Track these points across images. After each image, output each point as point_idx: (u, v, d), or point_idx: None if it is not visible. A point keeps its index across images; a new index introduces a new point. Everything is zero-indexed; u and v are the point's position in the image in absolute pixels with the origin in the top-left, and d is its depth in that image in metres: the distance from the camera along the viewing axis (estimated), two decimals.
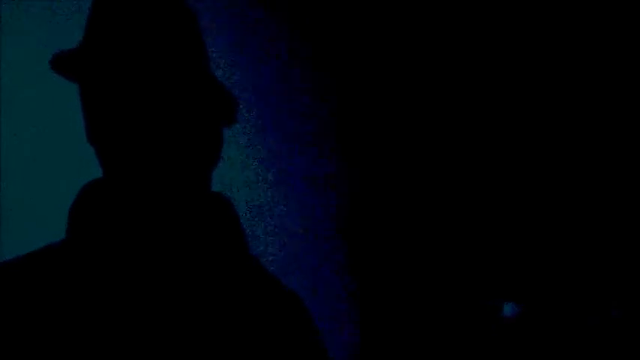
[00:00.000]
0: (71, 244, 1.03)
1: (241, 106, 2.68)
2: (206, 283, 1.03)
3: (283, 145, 2.75)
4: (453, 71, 2.91)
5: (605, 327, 2.63)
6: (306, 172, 2.78)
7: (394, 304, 2.86)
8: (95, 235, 1.02)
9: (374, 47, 2.94)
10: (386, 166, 2.91)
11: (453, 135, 2.89)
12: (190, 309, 1.01)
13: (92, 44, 1.01)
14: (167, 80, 1.00)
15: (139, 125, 0.99)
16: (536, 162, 2.81)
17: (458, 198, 2.87)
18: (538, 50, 2.83)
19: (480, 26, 2.88)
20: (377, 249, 2.88)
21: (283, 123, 2.76)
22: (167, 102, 1.00)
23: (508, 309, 2.70)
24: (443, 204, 2.88)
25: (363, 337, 2.81)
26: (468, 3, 2.88)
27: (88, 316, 0.97)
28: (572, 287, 2.72)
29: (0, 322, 0.96)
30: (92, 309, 0.97)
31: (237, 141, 2.66)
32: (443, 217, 2.88)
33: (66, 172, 2.35)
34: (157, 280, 1.00)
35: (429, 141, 2.91)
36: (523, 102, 2.84)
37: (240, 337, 1.03)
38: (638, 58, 2.70)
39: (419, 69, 2.93)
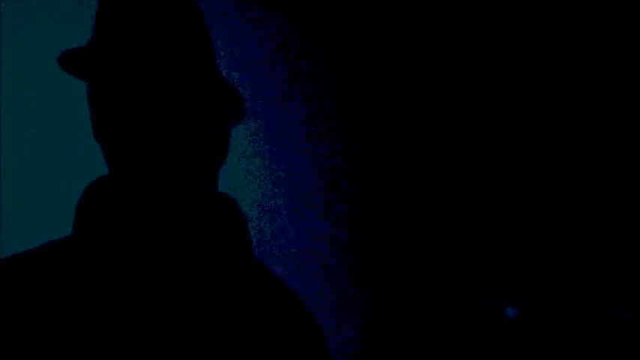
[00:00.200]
0: (77, 241, 1.03)
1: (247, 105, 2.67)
2: (209, 283, 1.03)
3: (288, 145, 2.75)
4: (454, 71, 2.91)
5: (605, 327, 2.63)
6: (308, 171, 2.78)
7: (398, 306, 2.86)
8: (101, 232, 1.02)
9: (375, 47, 2.94)
10: (389, 166, 2.92)
11: (455, 136, 2.90)
12: (193, 308, 1.01)
13: (101, 42, 1.01)
14: (175, 79, 1.00)
15: (146, 124, 0.99)
16: (538, 165, 2.81)
17: (460, 199, 2.88)
18: (538, 50, 2.83)
19: (480, 26, 2.88)
20: (381, 250, 2.88)
21: (288, 123, 2.75)
22: (175, 101, 1.00)
23: (510, 312, 2.70)
24: (446, 206, 2.88)
25: (366, 339, 2.81)
26: (468, 3, 2.89)
27: (91, 313, 0.97)
28: (573, 287, 2.72)
29: (4, 317, 0.96)
30: (96, 306, 0.97)
31: (241, 142, 2.66)
32: (445, 218, 2.88)
33: (66, 172, 2.35)
34: (160, 278, 1.00)
35: (431, 142, 2.91)
36: (523, 102, 2.84)
37: (241, 337, 1.03)
38: (638, 58, 2.70)
39: (420, 69, 2.93)
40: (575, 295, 2.70)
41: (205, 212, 1.06)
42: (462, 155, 2.88)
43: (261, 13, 2.74)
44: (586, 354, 2.64)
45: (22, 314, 0.96)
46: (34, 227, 2.29)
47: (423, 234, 2.88)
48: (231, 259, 1.07)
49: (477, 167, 2.87)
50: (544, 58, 2.82)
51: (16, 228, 2.26)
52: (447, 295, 2.84)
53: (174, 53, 1.00)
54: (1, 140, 2.27)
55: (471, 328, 2.78)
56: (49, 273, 1.00)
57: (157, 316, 0.98)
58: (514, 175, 2.83)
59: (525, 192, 2.82)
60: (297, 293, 1.19)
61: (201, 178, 1.04)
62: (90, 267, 1.00)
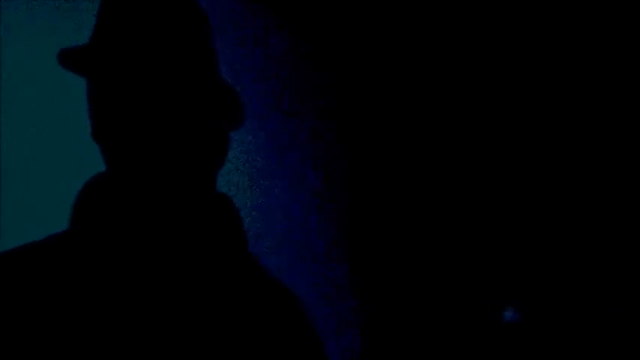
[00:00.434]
0: (74, 235, 1.04)
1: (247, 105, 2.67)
2: (205, 280, 1.04)
3: (289, 144, 2.75)
4: (454, 71, 2.91)
5: (605, 327, 2.63)
6: (310, 171, 2.78)
7: (396, 306, 2.86)
8: (97, 227, 1.02)
9: (375, 47, 2.94)
10: (389, 167, 2.92)
11: (455, 136, 2.90)
12: (188, 304, 1.01)
13: (102, 41, 1.01)
14: (175, 80, 1.00)
15: (144, 123, 0.99)
16: (537, 167, 2.81)
17: (459, 201, 2.87)
18: (538, 50, 2.83)
19: (480, 26, 2.88)
20: (380, 251, 2.88)
21: (288, 123, 2.76)
22: (174, 102, 1.00)
23: (509, 314, 2.70)
24: (445, 207, 2.88)
25: (364, 339, 2.82)
26: (468, 3, 2.89)
27: (88, 307, 0.97)
28: (572, 288, 2.72)
29: (2, 311, 0.97)
30: (92, 299, 0.98)
31: (242, 140, 2.66)
32: (445, 219, 2.88)
33: (66, 172, 2.35)
34: (155, 274, 1.01)
35: (430, 142, 2.91)
36: (523, 102, 2.84)
37: (235, 332, 1.03)
38: (638, 58, 2.70)
39: (420, 68, 2.93)
40: (575, 296, 2.70)
41: (201, 210, 1.06)
42: (462, 156, 2.88)
43: (265, 16, 2.74)
44: (586, 354, 2.64)
45: (19, 308, 0.97)
46: (33, 227, 2.29)
47: (425, 236, 2.88)
48: (225, 256, 1.08)
49: (477, 171, 2.87)
50: (544, 58, 2.82)
51: (16, 228, 2.26)
52: (448, 297, 2.84)
53: (174, 53, 1.00)
54: (1, 140, 2.27)
55: (472, 331, 2.78)
56: (46, 267, 1.01)
57: (153, 312, 0.99)
58: (514, 179, 2.83)
59: (525, 194, 2.82)
60: (292, 289, 1.20)
61: (198, 178, 1.04)
62: (86, 261, 1.01)
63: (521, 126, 2.83)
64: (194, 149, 1.02)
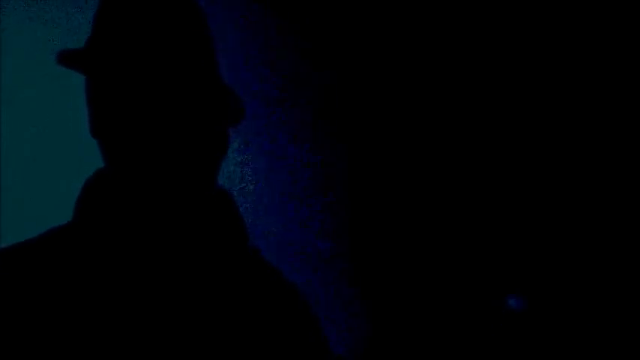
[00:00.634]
0: (76, 228, 1.05)
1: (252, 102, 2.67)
2: (207, 273, 1.04)
3: (290, 142, 2.75)
4: (454, 71, 2.91)
5: (606, 321, 2.63)
6: (310, 170, 2.78)
7: (398, 297, 2.86)
8: (99, 221, 1.03)
9: (375, 47, 2.94)
10: (390, 161, 2.92)
11: (457, 132, 2.90)
12: (191, 297, 1.01)
13: (101, 38, 1.02)
14: (174, 78, 1.00)
15: (143, 121, 0.99)
16: (537, 156, 2.81)
17: (462, 191, 2.88)
18: (538, 50, 2.83)
19: (480, 26, 2.89)
20: (382, 242, 2.88)
21: (290, 121, 2.76)
22: (173, 100, 1.00)
23: (512, 302, 2.70)
24: (447, 197, 2.88)
25: (366, 330, 2.82)
26: (468, 3, 2.89)
27: (90, 302, 0.97)
28: (576, 280, 2.72)
29: (8, 305, 0.97)
30: (95, 294, 0.98)
31: (245, 139, 2.66)
32: (447, 210, 2.88)
33: (66, 172, 2.35)
34: (158, 268, 1.01)
35: (433, 138, 2.91)
36: (523, 102, 2.84)
37: (238, 326, 1.03)
38: (638, 58, 2.70)
39: (421, 68, 2.94)
40: (578, 288, 2.71)
41: (201, 205, 1.06)
42: (464, 150, 2.88)
43: (265, 16, 2.74)
44: (590, 347, 2.64)
45: (23, 302, 0.97)
46: (34, 227, 2.29)
47: (427, 227, 2.88)
48: (227, 249, 1.08)
49: (479, 161, 2.87)
50: (544, 58, 2.82)
51: (16, 228, 2.26)
52: (451, 288, 2.84)
53: (173, 51, 1.00)
54: (1, 140, 2.27)
55: (475, 321, 2.78)
56: (49, 261, 1.01)
57: (156, 305, 0.99)
58: (516, 169, 2.83)
59: (528, 186, 2.82)
60: (293, 282, 1.21)
61: (198, 175, 1.04)
62: (88, 255, 1.01)
63: (525, 122, 2.84)
64: (193, 146, 1.02)
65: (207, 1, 2.63)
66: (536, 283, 2.75)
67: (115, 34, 1.00)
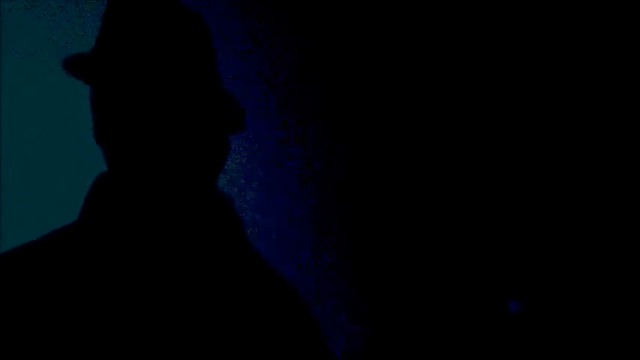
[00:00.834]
0: (81, 229, 1.07)
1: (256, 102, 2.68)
2: (207, 275, 1.06)
3: (291, 143, 2.75)
4: (454, 72, 2.91)
5: (606, 323, 2.64)
6: (310, 170, 2.78)
7: (398, 300, 2.87)
8: (103, 222, 1.05)
9: (376, 47, 2.94)
10: (391, 161, 2.92)
11: (457, 132, 2.90)
12: (192, 298, 1.03)
13: (105, 48, 1.04)
14: (175, 86, 1.03)
15: (145, 129, 1.02)
16: (539, 160, 2.82)
17: (463, 194, 2.88)
18: (538, 50, 2.83)
19: (480, 26, 2.89)
20: (383, 244, 2.89)
21: (288, 124, 2.76)
22: (174, 108, 1.03)
23: (514, 306, 2.71)
24: (448, 200, 2.89)
25: (366, 333, 2.82)
26: (468, 3, 2.89)
27: (93, 302, 1.00)
28: (577, 283, 2.72)
29: (16, 308, 0.99)
30: (97, 295, 1.00)
31: (244, 140, 2.67)
32: (448, 213, 2.88)
33: (66, 172, 2.35)
34: (159, 269, 1.03)
35: (433, 137, 2.92)
36: (524, 102, 2.84)
37: (237, 326, 1.05)
38: (638, 58, 2.71)
39: (421, 69, 2.94)
40: (579, 291, 2.71)
41: (202, 209, 1.08)
42: (466, 152, 2.88)
43: (265, 17, 2.75)
44: (590, 350, 2.64)
45: (30, 304, 0.99)
46: (34, 227, 2.29)
47: (427, 230, 2.88)
48: (226, 251, 1.10)
49: (479, 163, 2.87)
50: (543, 58, 2.83)
51: (16, 228, 2.27)
52: (452, 291, 2.84)
53: (175, 60, 1.03)
54: (1, 140, 2.28)
55: (476, 324, 2.79)
56: (52, 262, 1.03)
57: (158, 304, 1.01)
58: (518, 173, 2.84)
59: (529, 189, 2.82)
60: (293, 283, 1.22)
61: (198, 180, 1.06)
62: (92, 256, 1.03)
63: (528, 121, 2.84)
64: (194, 153, 1.04)
65: (208, 3, 2.64)
66: (537, 288, 2.76)
67: (117, 43, 1.03)
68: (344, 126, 2.89)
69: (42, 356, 0.96)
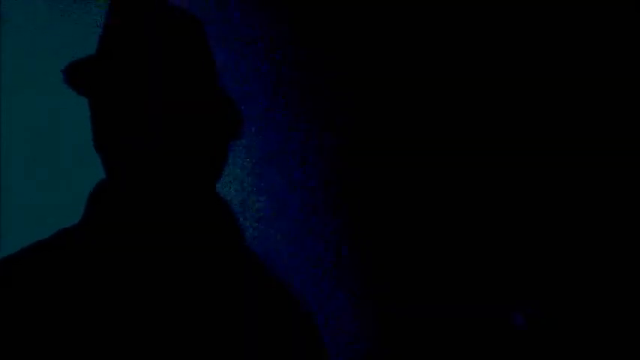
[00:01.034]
0: (82, 231, 1.09)
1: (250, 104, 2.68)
2: (204, 277, 1.08)
3: (292, 144, 2.75)
4: (454, 72, 2.91)
5: (611, 332, 2.64)
6: (311, 170, 2.78)
7: (403, 311, 2.87)
8: (104, 225, 1.07)
9: (376, 47, 2.94)
10: (393, 168, 2.92)
11: (466, 136, 2.90)
12: (190, 300, 1.05)
13: (101, 61, 1.06)
14: (174, 97, 1.04)
15: (141, 140, 1.04)
16: (544, 166, 2.81)
17: (469, 204, 2.88)
18: (538, 50, 2.83)
19: (480, 26, 2.89)
20: (386, 253, 2.89)
21: (289, 124, 2.76)
22: (172, 120, 1.04)
23: (518, 318, 2.71)
24: (454, 210, 2.89)
25: (368, 340, 2.82)
26: (468, 3, 2.89)
27: (92, 304, 1.02)
28: (581, 293, 2.72)
29: (22, 308, 1.02)
30: (95, 298, 1.02)
31: (242, 141, 2.67)
32: (453, 223, 2.88)
33: (66, 172, 2.36)
34: (157, 270, 1.05)
35: (433, 140, 2.91)
36: (525, 102, 2.84)
37: (233, 326, 1.06)
38: (638, 58, 2.70)
39: (421, 69, 2.94)
40: (583, 302, 2.71)
41: (199, 214, 1.10)
42: (474, 161, 2.88)
43: (265, 18, 2.74)
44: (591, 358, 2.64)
45: (32, 304, 1.02)
46: (33, 227, 2.30)
47: (432, 240, 2.88)
48: (223, 253, 1.12)
49: (487, 174, 2.87)
50: (544, 58, 2.82)
51: (16, 228, 2.27)
52: (457, 301, 2.84)
53: (174, 71, 1.04)
54: (1, 140, 2.28)
55: (480, 336, 2.79)
56: (53, 264, 1.06)
57: (156, 304, 1.03)
58: (526, 184, 2.83)
59: (535, 199, 2.82)
60: (290, 285, 1.23)
61: (196, 187, 1.08)
62: (92, 258, 1.06)
63: (537, 129, 2.83)
64: (191, 162, 1.06)
65: (208, 5, 2.64)
66: (541, 299, 2.75)
67: (114, 55, 1.05)
68: (347, 127, 2.89)
69: (46, 354, 0.98)
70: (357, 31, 2.92)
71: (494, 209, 2.84)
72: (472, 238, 2.85)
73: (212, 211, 1.12)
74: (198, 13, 2.62)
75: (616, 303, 2.65)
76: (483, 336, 2.77)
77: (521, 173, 2.82)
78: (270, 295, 1.13)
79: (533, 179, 2.81)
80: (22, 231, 2.28)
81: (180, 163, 1.05)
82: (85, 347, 0.98)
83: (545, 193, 2.79)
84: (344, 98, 2.90)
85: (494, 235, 2.84)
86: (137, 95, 1.03)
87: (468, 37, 2.89)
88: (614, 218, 2.70)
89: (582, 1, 2.76)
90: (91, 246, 1.06)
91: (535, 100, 2.82)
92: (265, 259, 2.64)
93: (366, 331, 2.82)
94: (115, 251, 1.05)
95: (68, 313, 1.00)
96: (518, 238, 2.81)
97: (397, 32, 2.94)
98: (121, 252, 1.05)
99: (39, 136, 2.34)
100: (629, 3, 2.69)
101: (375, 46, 2.94)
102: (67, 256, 1.06)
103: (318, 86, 2.85)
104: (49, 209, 2.32)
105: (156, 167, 1.03)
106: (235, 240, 1.14)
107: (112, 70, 1.04)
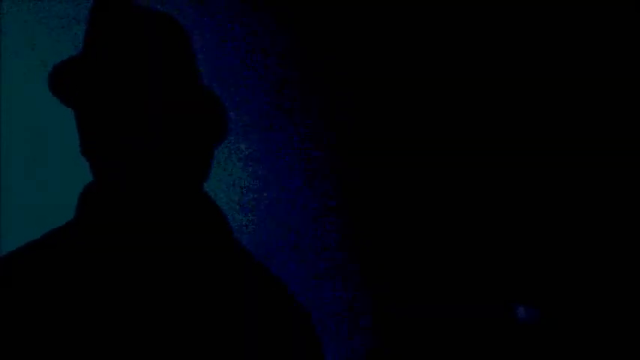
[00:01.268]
0: (73, 230, 1.10)
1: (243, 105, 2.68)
2: (196, 276, 1.08)
3: (292, 145, 2.75)
4: (454, 72, 2.91)
5: (612, 328, 2.63)
6: (311, 170, 2.78)
7: (405, 308, 2.87)
8: (93, 225, 1.08)
9: (375, 47, 2.94)
10: (392, 167, 2.92)
11: (461, 135, 2.89)
12: (183, 298, 1.05)
13: (84, 67, 1.08)
14: (158, 105, 1.05)
15: (125, 145, 1.05)
16: (546, 167, 2.81)
17: (471, 199, 2.88)
18: (538, 50, 2.83)
19: (480, 26, 2.88)
20: (385, 249, 2.89)
21: (288, 124, 2.76)
22: (158, 126, 1.05)
23: (521, 312, 2.71)
24: (455, 205, 2.88)
25: (368, 340, 2.82)
26: (468, 3, 2.89)
27: (85, 302, 1.02)
28: (583, 289, 2.72)
29: (19, 305, 1.03)
30: (87, 297, 1.03)
31: (242, 141, 2.67)
32: (455, 218, 2.88)
33: (66, 172, 2.36)
34: (147, 268, 1.06)
35: (433, 140, 2.91)
36: (525, 102, 2.84)
37: (225, 323, 1.07)
38: (638, 59, 2.70)
39: (421, 69, 2.93)
40: (586, 297, 2.70)
41: (186, 214, 1.10)
42: (474, 157, 2.88)
43: (262, 18, 2.74)
44: (598, 355, 2.64)
45: (25, 304, 1.03)
46: (33, 227, 2.30)
47: (434, 235, 2.88)
48: (213, 250, 1.12)
49: (489, 168, 2.87)
50: (544, 59, 2.82)
51: (16, 228, 2.28)
52: (460, 297, 2.84)
53: (157, 79, 1.06)
54: (1, 140, 2.29)
55: (484, 331, 2.78)
56: (47, 262, 1.07)
57: (149, 301, 1.03)
58: (529, 180, 2.83)
59: (538, 195, 2.82)
60: (283, 283, 1.24)
61: (183, 194, 1.09)
62: (83, 256, 1.06)
63: (539, 128, 2.83)
64: (179, 163, 1.07)
65: (206, 5, 2.64)
66: (545, 294, 2.75)
67: (97, 61, 1.06)
68: (346, 128, 2.89)
69: (34, 354, 0.98)
70: (356, 31, 2.92)
71: (494, 209, 2.84)
72: (472, 238, 2.85)
73: (200, 211, 1.13)
74: (199, 13, 2.62)
75: (616, 303, 2.65)
76: (483, 336, 2.77)
77: (522, 173, 2.82)
78: (265, 295, 1.13)
79: (534, 179, 2.81)
80: (21, 231, 2.28)
81: (168, 163, 1.06)
82: (74, 347, 0.98)
83: (545, 193, 2.79)
84: (344, 98, 2.90)
85: (495, 235, 2.83)
86: (122, 98, 1.03)
87: (468, 37, 2.88)
88: (614, 218, 2.70)
89: (582, 1, 2.75)
90: (81, 246, 1.07)
91: (535, 100, 2.82)
92: (261, 259, 2.64)
93: (365, 331, 2.82)
94: (105, 251, 1.06)
95: (58, 312, 1.01)
96: (519, 237, 2.80)
97: (397, 32, 2.94)
98: (111, 252, 1.05)
99: (39, 136, 2.34)
100: (629, 3, 2.68)
101: (374, 46, 2.93)
102: (58, 255, 1.07)
103: (318, 86, 2.85)
104: (49, 209, 2.33)
105: (144, 168, 1.04)
106: (226, 240, 1.14)
107: (95, 76, 1.05)
